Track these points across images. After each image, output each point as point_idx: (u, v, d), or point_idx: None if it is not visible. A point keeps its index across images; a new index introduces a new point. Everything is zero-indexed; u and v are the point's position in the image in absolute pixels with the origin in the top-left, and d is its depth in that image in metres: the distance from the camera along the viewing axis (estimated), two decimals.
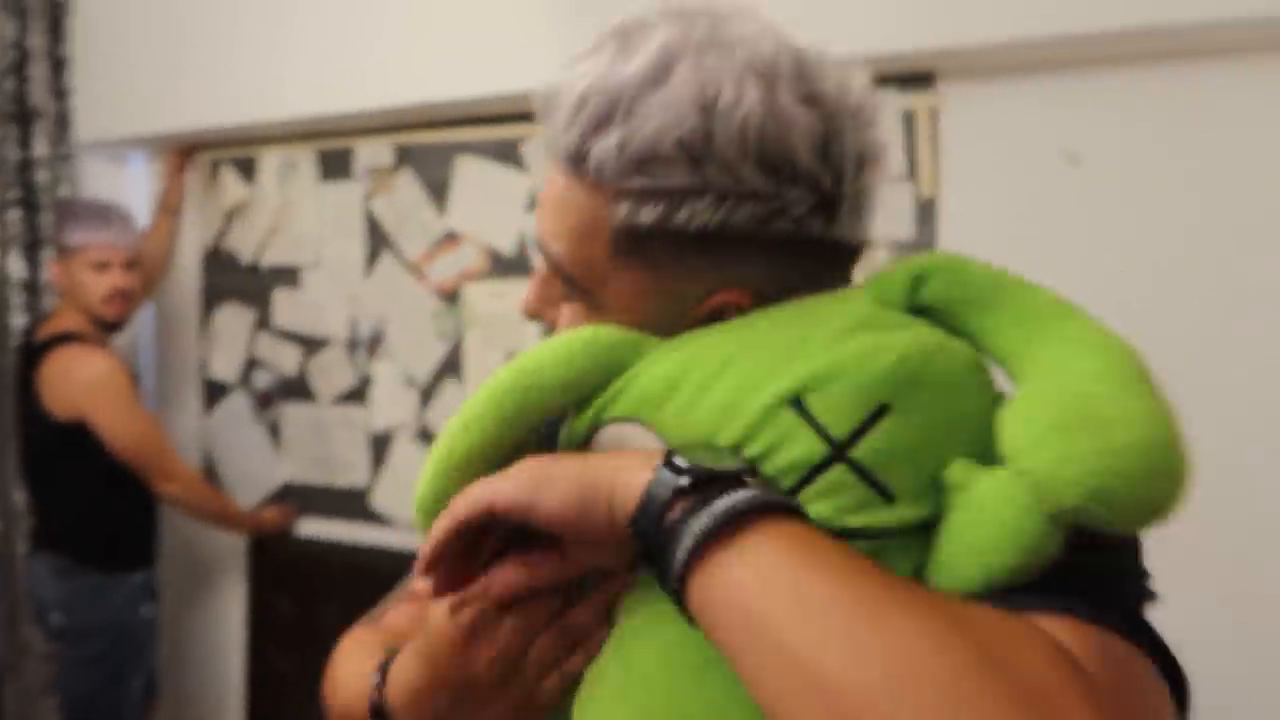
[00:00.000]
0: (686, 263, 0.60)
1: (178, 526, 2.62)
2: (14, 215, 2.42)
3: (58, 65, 2.52)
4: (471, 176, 2.23)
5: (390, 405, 2.35)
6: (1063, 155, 1.75)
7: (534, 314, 0.69)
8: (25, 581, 2.35)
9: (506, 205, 2.19)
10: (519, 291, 2.17)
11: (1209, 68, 1.63)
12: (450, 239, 2.26)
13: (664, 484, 0.49)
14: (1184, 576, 1.27)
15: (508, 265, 2.20)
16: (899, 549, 0.48)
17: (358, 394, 2.40)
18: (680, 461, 0.49)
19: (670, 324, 0.60)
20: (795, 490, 0.49)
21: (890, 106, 1.84)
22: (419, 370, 2.31)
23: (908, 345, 0.48)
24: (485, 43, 2.03)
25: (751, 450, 0.50)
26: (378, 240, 2.36)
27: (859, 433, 0.47)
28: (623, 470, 0.52)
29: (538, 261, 0.70)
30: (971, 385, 0.50)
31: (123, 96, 2.50)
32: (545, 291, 0.68)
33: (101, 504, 2.16)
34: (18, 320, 2.42)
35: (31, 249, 2.46)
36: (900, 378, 0.47)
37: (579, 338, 0.58)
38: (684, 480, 0.48)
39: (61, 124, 2.52)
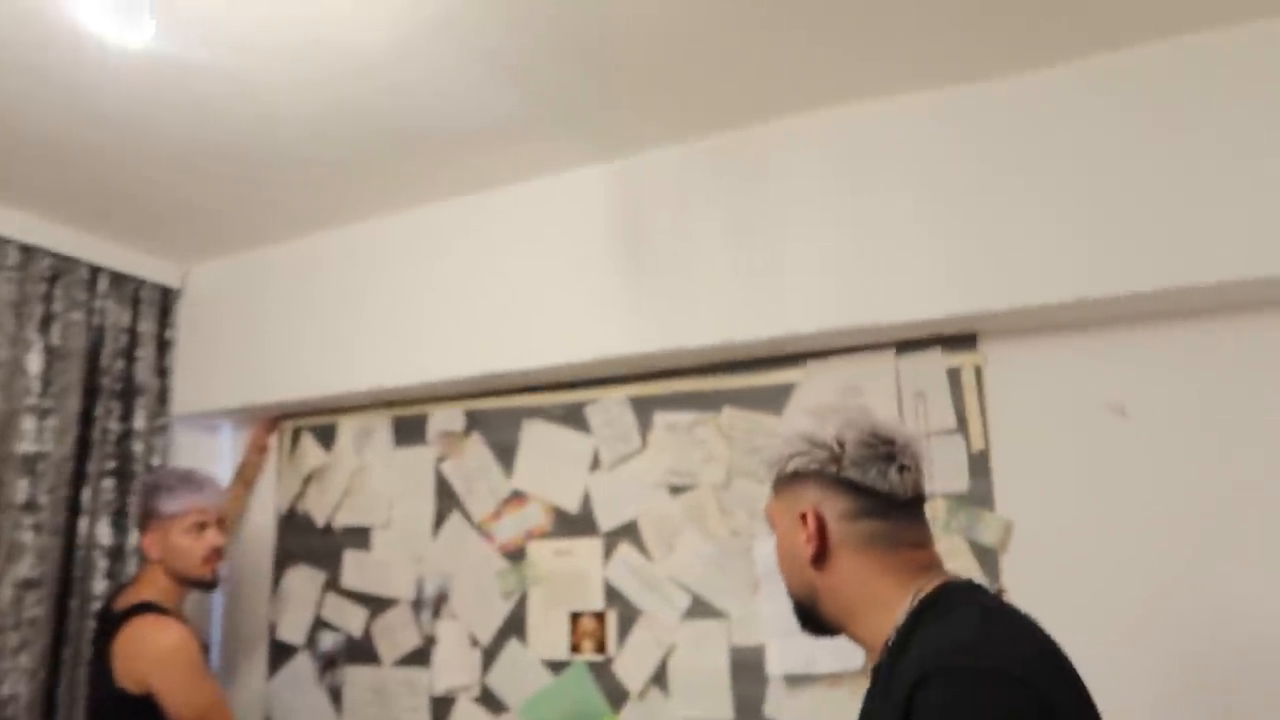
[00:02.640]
0: (790, 490, 1.17)
1: None
2: (108, 484, 2.57)
3: (162, 347, 2.77)
4: (538, 439, 2.35)
5: (453, 666, 2.35)
6: (1108, 408, 1.81)
7: None
8: None
9: (571, 466, 2.28)
10: (583, 549, 2.24)
11: (1245, 322, 1.72)
12: (517, 498, 2.35)
13: None
14: None
15: (572, 523, 2.26)
16: None
17: (421, 655, 2.40)
18: None
19: (794, 529, 1.15)
20: None
21: (935, 365, 1.94)
22: (483, 629, 2.33)
23: None
24: (553, 317, 2.21)
25: None
26: (446, 501, 2.45)
27: None
28: None
29: None
30: None
31: (217, 372, 2.72)
32: None
33: None
34: (99, 585, 2.51)
35: (119, 515, 2.59)
36: None
37: None
38: None
39: (161, 398, 2.73)
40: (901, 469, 1.12)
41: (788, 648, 1.96)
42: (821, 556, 1.13)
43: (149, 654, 2.10)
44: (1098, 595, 1.73)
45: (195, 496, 2.26)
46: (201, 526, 2.26)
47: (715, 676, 2.04)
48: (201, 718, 2.11)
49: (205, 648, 2.29)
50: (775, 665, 1.98)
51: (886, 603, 1.10)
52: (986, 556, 1.83)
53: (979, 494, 1.87)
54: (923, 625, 1.04)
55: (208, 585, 2.30)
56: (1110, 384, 1.81)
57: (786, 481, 1.18)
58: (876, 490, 1.12)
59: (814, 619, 1.18)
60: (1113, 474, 1.78)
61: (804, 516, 1.14)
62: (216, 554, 2.28)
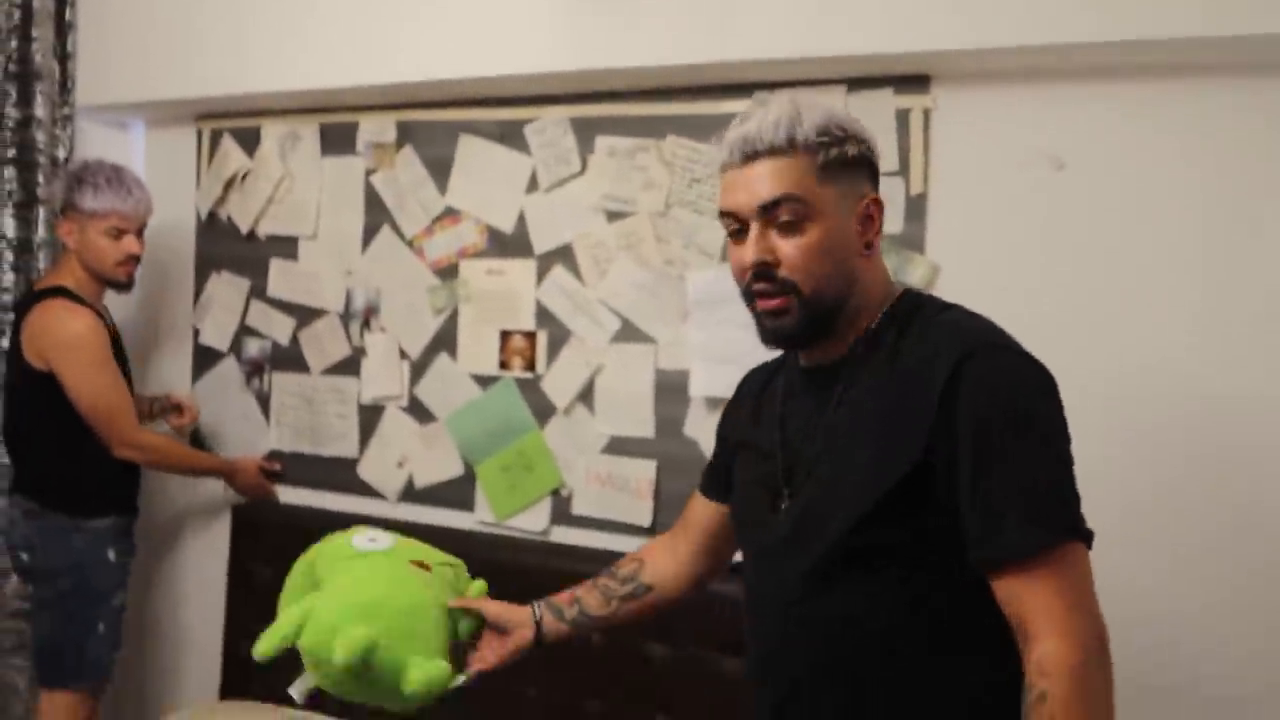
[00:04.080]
0: (848, 176, 1.13)
1: (159, 487, 2.64)
2: (9, 173, 2.43)
3: (62, 29, 2.54)
4: (474, 156, 2.28)
5: (382, 377, 2.39)
6: (1047, 160, 1.83)
7: (761, 264, 1.11)
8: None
9: (507, 185, 2.24)
10: (515, 269, 2.23)
11: (1186, 85, 1.72)
12: (450, 215, 2.31)
13: None
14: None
15: (505, 244, 2.25)
16: None
17: (350, 364, 2.43)
18: None
19: (848, 218, 1.12)
20: None
21: (885, 106, 1.92)
22: (412, 343, 2.35)
23: None
24: (492, 24, 2.09)
25: None
26: (377, 214, 2.39)
27: None
28: None
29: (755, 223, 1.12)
30: None
31: (126, 62, 2.52)
32: (763, 243, 1.11)
33: (68, 451, 2.18)
34: (7, 277, 2.43)
35: (24, 207, 2.47)
36: None
37: None
38: None
39: (64, 87, 2.53)
40: None
41: (711, 372, 2.04)
42: (871, 245, 1.16)
43: (52, 336, 2.14)
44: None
45: (120, 202, 2.19)
46: (120, 232, 2.20)
47: (640, 397, 2.12)
48: (96, 403, 2.16)
49: (117, 338, 2.28)
50: (698, 388, 2.07)
51: (881, 293, 1.18)
52: None
53: (912, 236, 1.90)
54: (916, 320, 1.13)
55: (120, 286, 2.28)
56: (1051, 137, 1.82)
57: (844, 166, 1.12)
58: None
59: (828, 320, 1.13)
60: (1040, 225, 1.83)
61: (871, 204, 1.15)
62: (132, 260, 2.25)
